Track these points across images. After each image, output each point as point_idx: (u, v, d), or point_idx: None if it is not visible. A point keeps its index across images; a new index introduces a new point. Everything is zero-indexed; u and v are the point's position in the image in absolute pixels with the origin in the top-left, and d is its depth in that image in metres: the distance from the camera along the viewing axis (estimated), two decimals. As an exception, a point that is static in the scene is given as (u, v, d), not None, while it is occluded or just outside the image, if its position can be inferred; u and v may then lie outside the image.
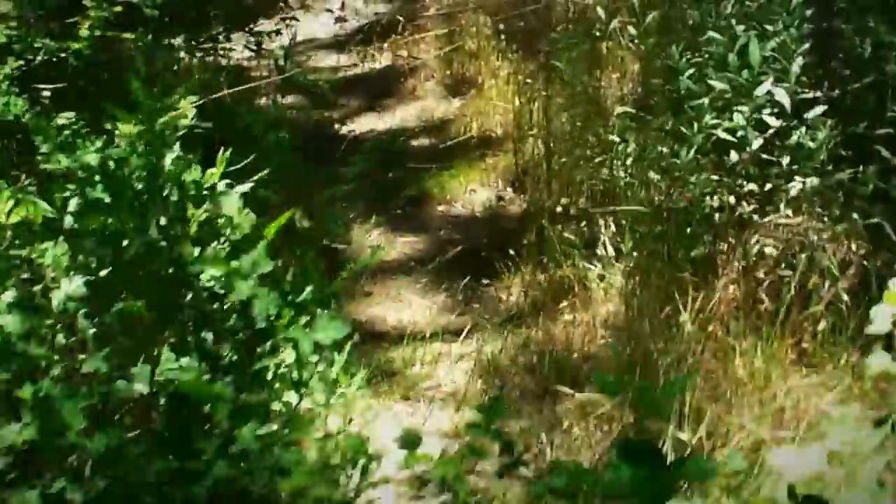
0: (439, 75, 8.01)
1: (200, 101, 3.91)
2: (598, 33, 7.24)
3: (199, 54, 7.34)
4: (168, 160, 3.66)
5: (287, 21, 8.48)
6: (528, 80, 7.25)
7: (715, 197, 5.16)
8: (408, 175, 6.65)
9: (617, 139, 5.61)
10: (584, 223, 5.38)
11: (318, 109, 7.77)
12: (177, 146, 3.66)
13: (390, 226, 6.13)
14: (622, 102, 6.65)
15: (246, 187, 3.79)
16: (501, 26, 8.53)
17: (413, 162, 6.86)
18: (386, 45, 8.77)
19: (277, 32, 7.63)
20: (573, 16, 8.10)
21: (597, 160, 5.95)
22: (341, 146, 7.15)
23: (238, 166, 3.84)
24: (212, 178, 3.73)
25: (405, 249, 5.89)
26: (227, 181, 3.76)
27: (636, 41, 7.03)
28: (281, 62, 7.63)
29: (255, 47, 7.53)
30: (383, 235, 6.06)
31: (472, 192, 6.37)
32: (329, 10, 11.29)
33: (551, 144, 6.17)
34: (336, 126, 7.61)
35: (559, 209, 5.36)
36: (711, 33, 5.27)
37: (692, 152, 5.15)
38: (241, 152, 4.20)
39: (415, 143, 7.24)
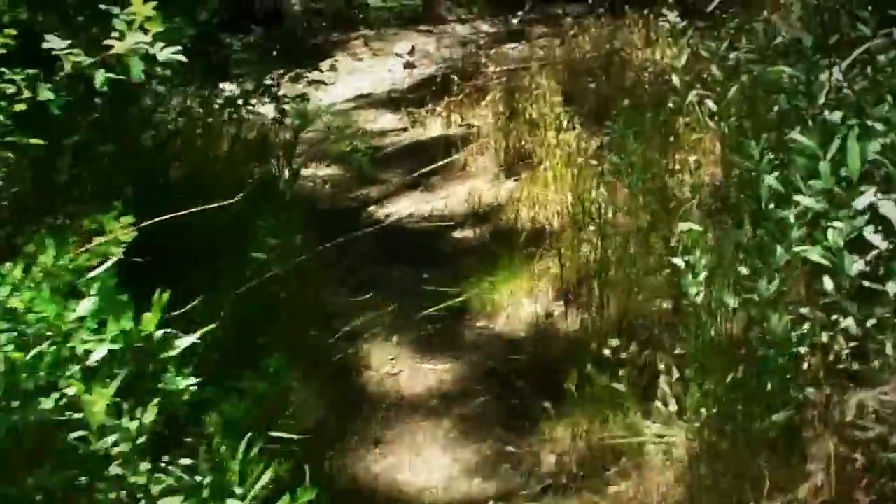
0: (494, 147, 7.03)
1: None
2: (672, 105, 6.23)
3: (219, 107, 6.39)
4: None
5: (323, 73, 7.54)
6: (592, 161, 6.26)
7: (804, 335, 4.11)
8: (446, 278, 5.65)
9: (686, 250, 4.56)
10: (640, 366, 4.34)
11: (355, 184, 6.85)
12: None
13: (418, 347, 5.12)
14: (696, 194, 5.63)
15: (188, 341, 2.91)
16: (564, 85, 7.59)
17: (454, 260, 5.88)
18: (441, 106, 7.82)
19: (302, 98, 6.63)
20: (648, 81, 7.10)
21: (663, 273, 4.94)
22: (374, 237, 6.21)
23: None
24: (149, 326, 2.85)
25: (431, 381, 4.88)
26: (169, 331, 2.89)
27: (716, 118, 6.01)
28: (298, 121, 6.62)
29: (279, 114, 6.58)
30: (408, 359, 5.06)
31: (516, 305, 5.34)
32: (399, 55, 10.42)
33: (609, 251, 5.16)
34: (372, 208, 6.67)
35: (609, 350, 4.31)
36: (797, 136, 4.22)
37: (775, 283, 4.11)
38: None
39: (458, 233, 6.25)
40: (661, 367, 4.23)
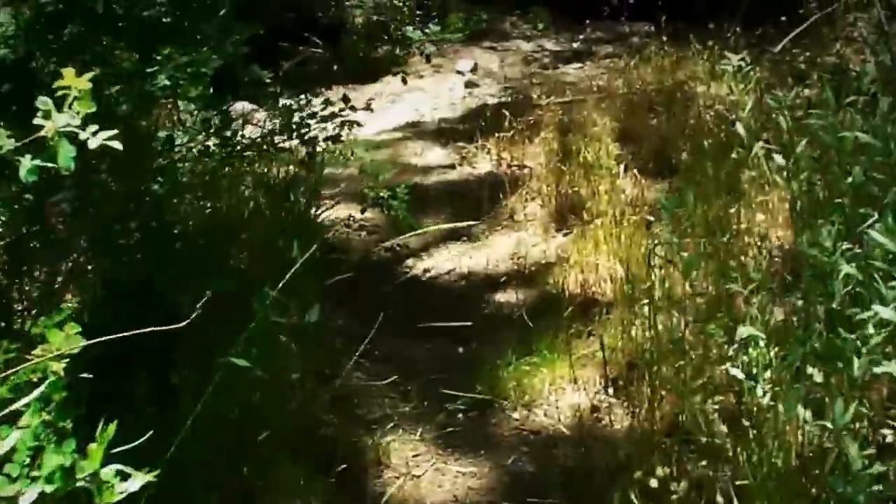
0: (545, 193, 6.40)
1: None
2: (737, 156, 5.58)
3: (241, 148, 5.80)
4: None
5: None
6: (649, 217, 5.63)
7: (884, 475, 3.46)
8: (481, 355, 5.04)
9: (748, 360, 3.92)
10: (693, 490, 3.71)
11: (393, 231, 6.26)
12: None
13: (444, 443, 4.48)
14: (763, 264, 4.99)
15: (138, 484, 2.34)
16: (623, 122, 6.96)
17: (493, 332, 5.27)
18: (491, 142, 7.20)
19: (335, 139, 6.00)
20: (712, 122, 6.45)
21: (723, 367, 4.30)
22: (407, 298, 5.63)
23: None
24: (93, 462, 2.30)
25: (458, 487, 4.26)
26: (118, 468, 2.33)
27: (785, 174, 5.35)
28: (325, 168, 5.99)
29: (307, 156, 5.97)
30: (433, 457, 4.45)
31: (558, 393, 4.71)
32: (460, 73, 9.81)
33: (663, 334, 4.52)
34: (410, 261, 6.07)
35: (656, 481, 3.68)
36: (874, 234, 3.57)
37: (853, 404, 3.46)
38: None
39: (500, 297, 5.62)
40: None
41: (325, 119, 5.68)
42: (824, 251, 3.72)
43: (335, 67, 9.82)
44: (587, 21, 10.60)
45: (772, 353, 3.91)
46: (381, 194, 6.01)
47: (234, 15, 7.49)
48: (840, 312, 3.73)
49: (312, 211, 6.08)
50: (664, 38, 8.09)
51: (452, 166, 7.12)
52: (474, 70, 9.85)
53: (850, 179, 4.21)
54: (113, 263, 4.64)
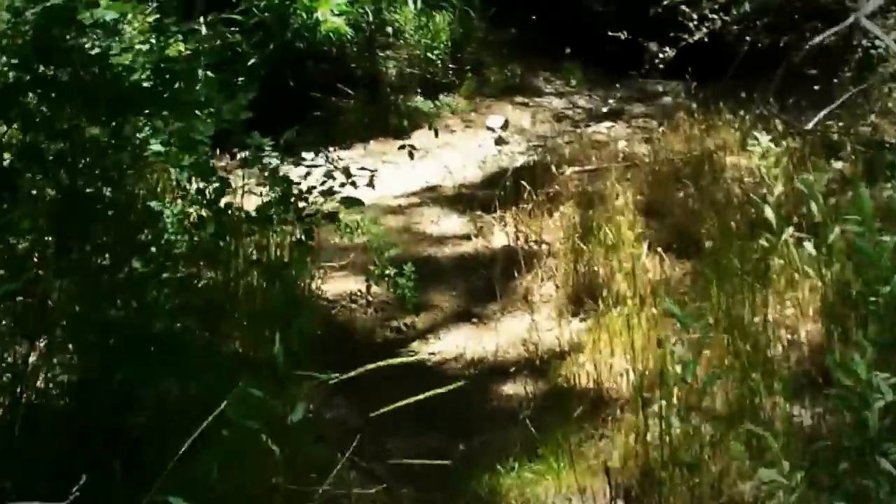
0: (562, 272, 6.00)
1: None
2: (766, 243, 5.18)
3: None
4: None
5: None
6: (672, 306, 5.20)
7: None
8: (483, 456, 4.64)
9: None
10: None
11: (400, 310, 5.88)
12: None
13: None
14: (791, 363, 4.59)
15: None
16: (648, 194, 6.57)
17: (498, 429, 4.86)
18: (510, 213, 6.82)
19: (333, 218, 5.57)
20: (741, 200, 6.06)
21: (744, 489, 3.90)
22: (408, 387, 5.22)
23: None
24: None
25: None
26: None
27: (816, 265, 4.96)
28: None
29: (303, 234, 5.55)
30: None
31: (565, 504, 4.30)
32: (490, 129, 9.44)
33: (680, 444, 4.10)
34: (415, 344, 5.68)
35: None
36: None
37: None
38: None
39: (508, 389, 5.20)
40: None
41: (324, 194, 5.29)
42: (857, 379, 3.31)
43: (366, 120, 9.50)
44: (619, 78, 10.23)
45: (798, 478, 3.51)
46: (388, 271, 5.62)
47: (254, 73, 7.21)
48: (874, 446, 3.32)
49: (314, 285, 5.72)
50: (694, 105, 7.68)
51: (468, 237, 6.72)
52: (505, 126, 9.48)
53: (887, 288, 3.79)
54: (79, 352, 4.31)
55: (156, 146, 4.95)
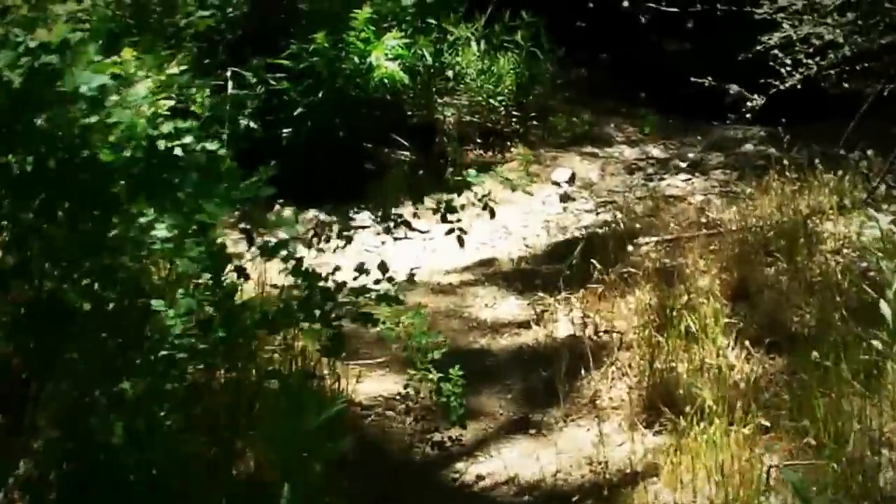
0: (636, 369, 5.15)
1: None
2: (879, 343, 4.35)
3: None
4: None
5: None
6: (763, 420, 4.39)
7: None
8: None
9: None
10: None
11: (444, 418, 5.04)
12: None
13: None
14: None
15: None
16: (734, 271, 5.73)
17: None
18: (577, 296, 5.99)
19: (369, 320, 4.68)
20: (843, 281, 5.21)
21: None
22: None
23: None
24: None
25: None
26: None
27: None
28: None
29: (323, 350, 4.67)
30: None
31: None
32: (556, 183, 8.61)
33: None
34: (461, 464, 4.82)
35: None
36: None
37: None
38: None
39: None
40: None
41: (356, 292, 4.45)
42: None
43: (421, 172, 8.72)
44: (697, 124, 9.40)
45: None
46: (431, 376, 4.82)
47: (300, 122, 6.45)
48: None
49: (346, 387, 4.95)
50: (784, 163, 6.80)
51: (527, 324, 5.88)
52: (572, 180, 8.64)
53: None
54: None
55: (161, 231, 4.19)
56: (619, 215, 7.21)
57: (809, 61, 6.83)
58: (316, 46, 7.98)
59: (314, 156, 8.14)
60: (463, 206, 5.38)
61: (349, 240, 4.83)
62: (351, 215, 8.02)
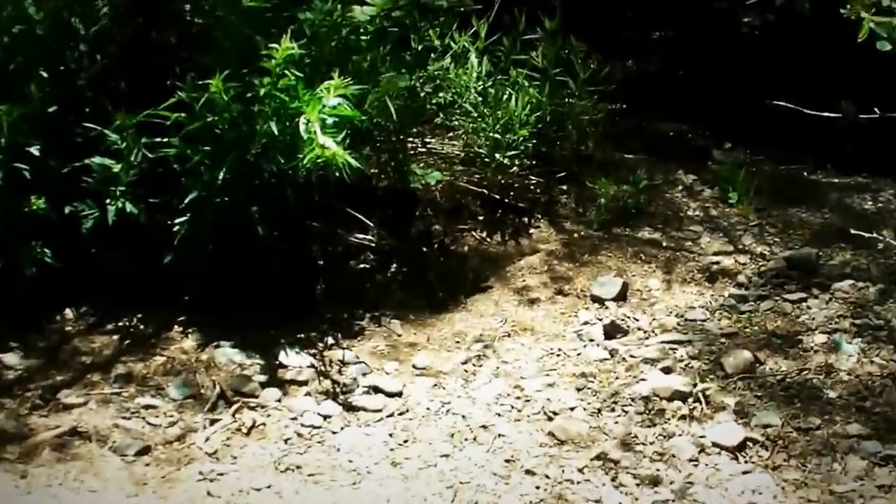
0: None
1: None
2: None
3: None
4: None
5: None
6: None
7: None
8: None
9: None
10: None
11: None
12: None
13: None
14: None
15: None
16: None
17: None
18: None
19: None
20: None
21: None
22: None
23: None
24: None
25: None
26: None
27: None
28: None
29: None
30: None
31: None
32: (596, 300, 5.56)
33: None
34: None
35: None
36: None
37: None
38: None
39: None
40: None
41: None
42: None
43: (391, 270, 5.75)
44: (799, 171, 6.37)
45: None
46: None
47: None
48: None
49: None
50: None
51: None
52: (622, 296, 5.59)
53: None
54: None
55: None
56: (700, 373, 4.30)
57: None
58: (211, 96, 4.92)
59: (225, 253, 5.16)
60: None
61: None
62: (283, 355, 5.10)
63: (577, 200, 6.22)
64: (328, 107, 4.76)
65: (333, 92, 4.79)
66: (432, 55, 5.93)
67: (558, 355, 5.12)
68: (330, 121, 4.76)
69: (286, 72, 4.83)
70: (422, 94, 5.83)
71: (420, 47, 5.74)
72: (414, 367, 5.03)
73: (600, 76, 6.38)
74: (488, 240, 5.99)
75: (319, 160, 4.68)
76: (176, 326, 5.08)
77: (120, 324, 5.11)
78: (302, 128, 4.72)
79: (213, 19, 5.31)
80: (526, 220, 6.10)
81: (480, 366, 5.05)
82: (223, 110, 4.90)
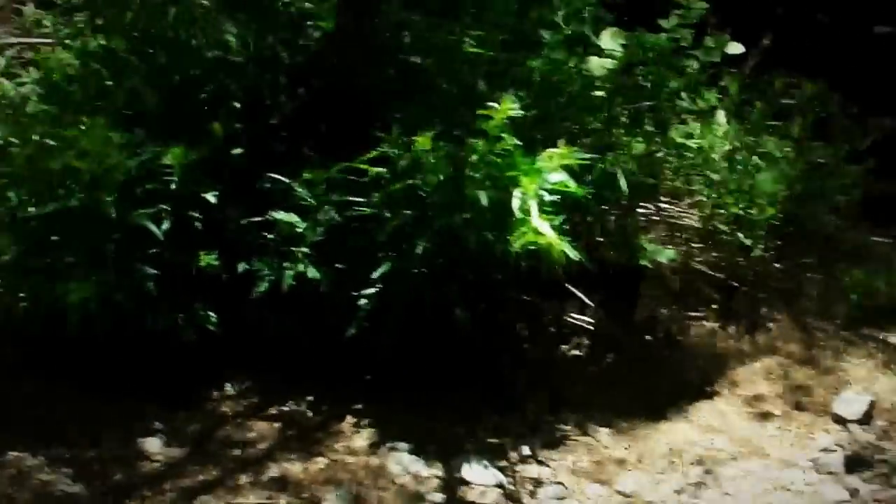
0: None
1: None
2: None
3: None
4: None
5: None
6: None
7: None
8: None
9: None
10: None
11: None
12: None
13: None
14: None
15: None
16: None
17: None
18: None
19: None
20: None
21: None
22: None
23: None
24: None
25: None
26: None
27: None
28: None
29: None
30: None
31: None
32: (839, 420, 4.70)
33: None
34: None
35: None
36: None
37: None
38: None
39: None
40: None
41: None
42: None
43: (607, 360, 5.00)
44: None
45: None
46: None
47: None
48: None
49: None
50: None
51: None
52: (868, 417, 4.75)
53: None
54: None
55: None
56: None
57: None
58: (418, 154, 4.23)
59: (415, 331, 4.46)
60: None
61: None
62: (466, 468, 4.34)
63: (825, 292, 5.30)
64: (549, 182, 4.01)
65: (556, 162, 4.04)
66: (674, 119, 5.08)
67: (789, 490, 4.28)
68: (548, 198, 4.01)
69: (503, 134, 4.09)
70: (659, 165, 4.99)
71: (662, 109, 4.89)
72: (619, 492, 4.23)
73: (861, 141, 5.46)
74: (720, 332, 5.14)
75: (532, 247, 3.91)
76: (349, 417, 4.36)
77: (285, 408, 4.37)
78: (515, 203, 3.99)
79: (431, 62, 4.61)
80: (765, 311, 5.22)
81: (697, 499, 4.23)
82: (430, 171, 4.20)
